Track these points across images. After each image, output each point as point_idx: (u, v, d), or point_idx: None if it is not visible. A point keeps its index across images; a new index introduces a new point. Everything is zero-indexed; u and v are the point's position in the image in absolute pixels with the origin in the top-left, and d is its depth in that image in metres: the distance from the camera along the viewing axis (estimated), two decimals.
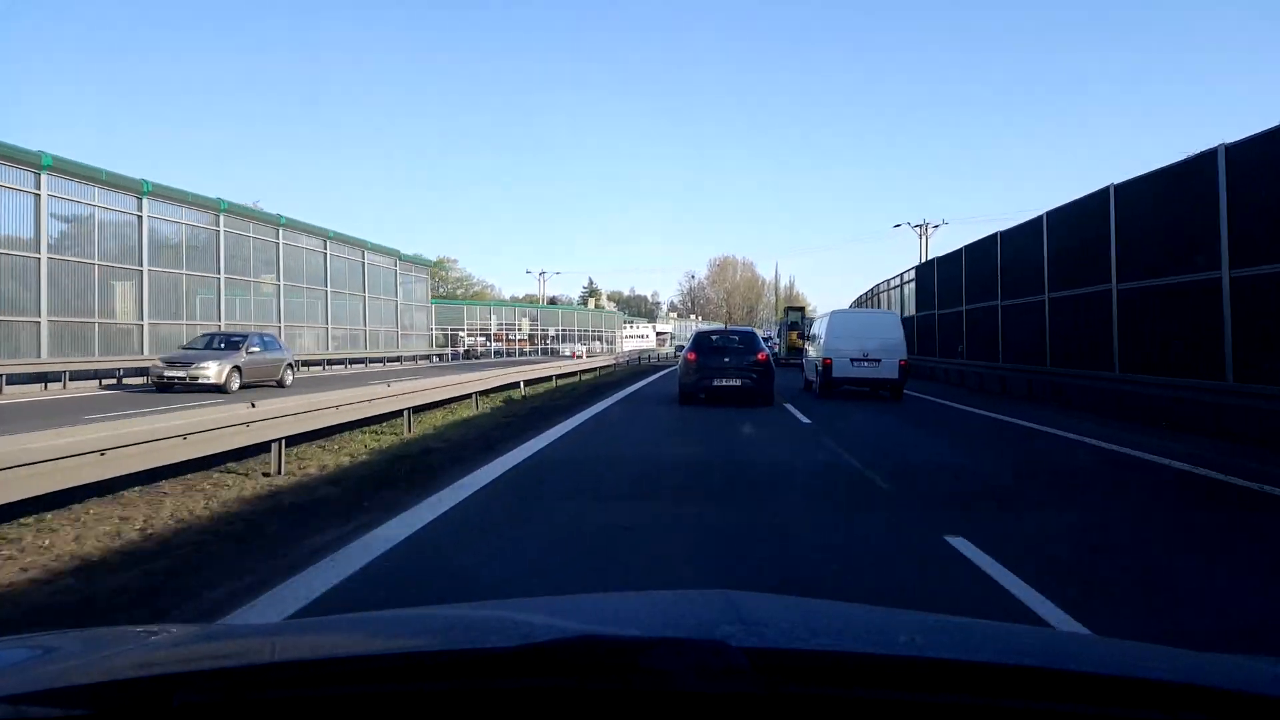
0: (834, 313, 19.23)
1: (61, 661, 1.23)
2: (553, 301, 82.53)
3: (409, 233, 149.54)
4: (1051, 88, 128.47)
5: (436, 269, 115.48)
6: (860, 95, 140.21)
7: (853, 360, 17.16)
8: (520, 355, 56.27)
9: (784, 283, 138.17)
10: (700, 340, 16.58)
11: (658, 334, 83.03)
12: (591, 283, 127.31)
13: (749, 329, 20.55)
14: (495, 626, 1.31)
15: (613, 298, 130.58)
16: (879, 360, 17.05)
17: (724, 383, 15.42)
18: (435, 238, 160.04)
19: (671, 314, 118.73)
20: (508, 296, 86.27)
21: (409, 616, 1.72)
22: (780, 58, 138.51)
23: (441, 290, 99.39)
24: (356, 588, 4.15)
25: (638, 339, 78.24)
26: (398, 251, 40.01)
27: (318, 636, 1.42)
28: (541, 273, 73.64)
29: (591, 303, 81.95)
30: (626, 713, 0.94)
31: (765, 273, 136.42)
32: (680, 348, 68.60)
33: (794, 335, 36.98)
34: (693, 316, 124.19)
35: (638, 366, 35.77)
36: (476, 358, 49.83)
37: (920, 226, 47.40)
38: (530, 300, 71.99)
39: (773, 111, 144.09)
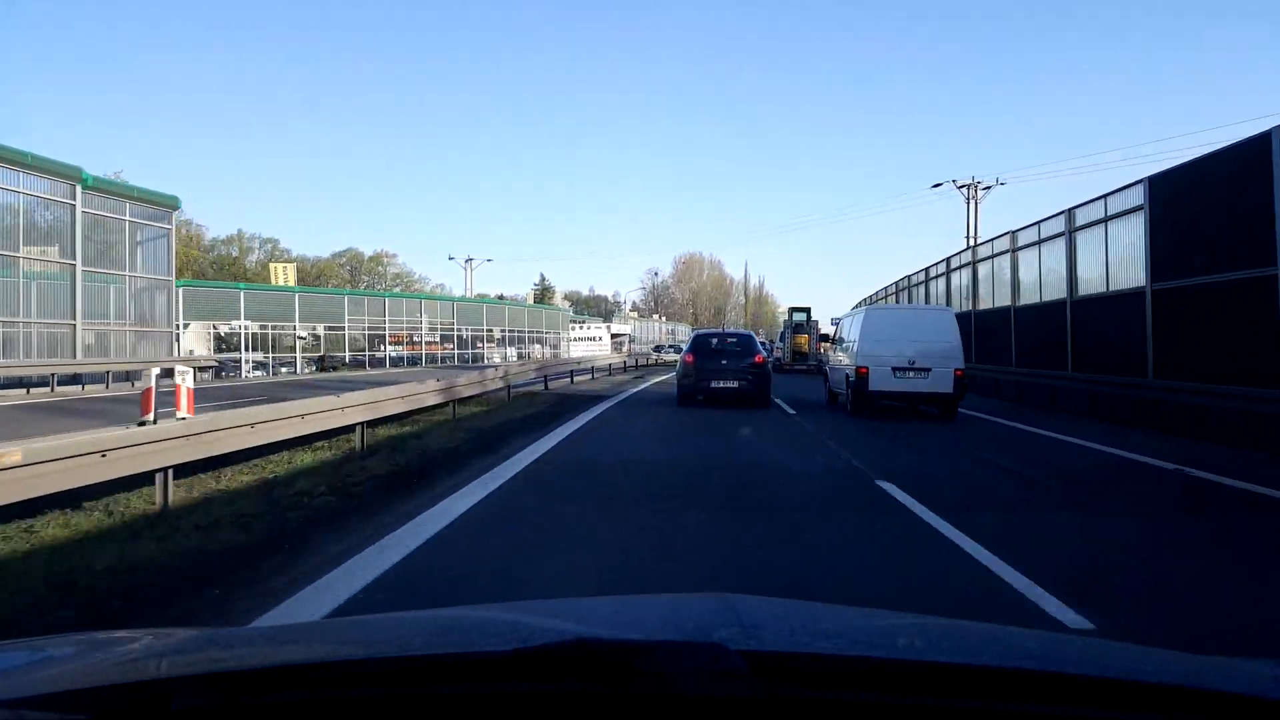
0: (871, 309, 16.10)
1: (60, 665, 1.23)
2: (500, 298, 68.88)
3: (344, 227, 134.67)
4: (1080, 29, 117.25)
5: (372, 264, 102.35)
6: (837, 76, 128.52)
7: (895, 370, 13.76)
8: (425, 365, 42.24)
9: (753, 283, 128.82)
10: (698, 343, 16.62)
11: (613, 336, 69.65)
12: (544, 279, 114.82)
13: (747, 332, 19.25)
14: (492, 629, 1.31)
15: (570, 297, 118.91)
16: (928, 369, 13.70)
17: (721, 385, 15.43)
18: (373, 232, 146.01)
19: (632, 314, 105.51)
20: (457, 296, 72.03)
21: (406, 619, 1.70)
22: (746, 34, 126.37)
23: (379, 288, 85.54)
24: None
25: (588, 342, 64.75)
26: (79, 171, 21.37)
27: (315, 640, 1.42)
28: (468, 260, 59.61)
29: (530, 297, 68.11)
30: (624, 716, 0.93)
31: (734, 272, 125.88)
32: (655, 351, 55.95)
33: (800, 339, 34.26)
34: (656, 316, 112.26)
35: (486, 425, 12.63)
36: (331, 370, 35.51)
37: (968, 186, 34.40)
38: (481, 299, 57.44)
39: (743, 95, 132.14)
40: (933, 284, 28.42)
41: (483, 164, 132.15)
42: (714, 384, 15.34)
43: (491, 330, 49.62)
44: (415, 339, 43.58)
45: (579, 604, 2.04)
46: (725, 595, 1.41)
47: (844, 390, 15.14)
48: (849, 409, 14.57)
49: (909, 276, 32.03)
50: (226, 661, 1.16)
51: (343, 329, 38.79)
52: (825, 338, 21.86)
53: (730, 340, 16.52)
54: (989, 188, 34.39)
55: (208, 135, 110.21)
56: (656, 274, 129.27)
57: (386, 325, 41.29)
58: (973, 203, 34.03)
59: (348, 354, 38.73)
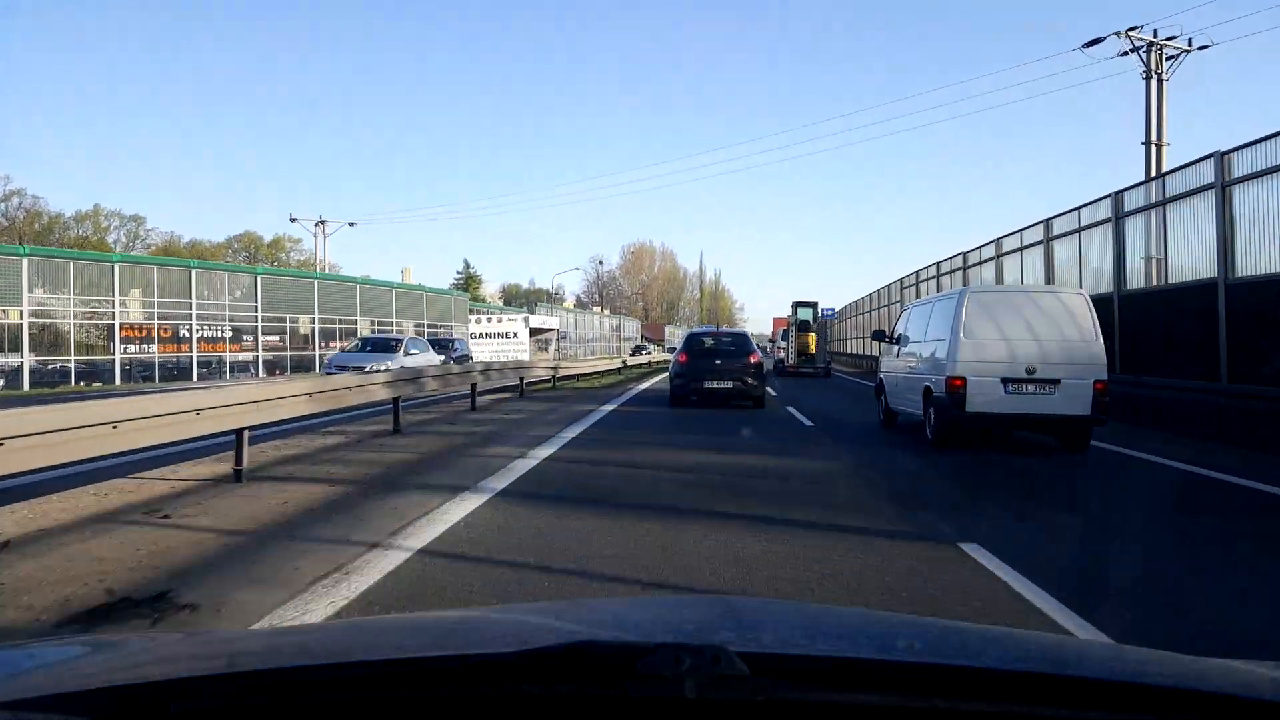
0: (968, 292, 10.42)
1: (61, 667, 1.24)
2: (397, 284, 51.32)
3: (248, 214, 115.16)
4: None
5: (273, 250, 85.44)
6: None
7: (1007, 381, 9.60)
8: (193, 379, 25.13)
9: (708, 276, 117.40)
10: (692, 342, 16.20)
11: (535, 332, 53.17)
12: (468, 265, 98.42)
13: (742, 331, 18.77)
14: (494, 632, 1.31)
15: (510, 291, 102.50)
16: (1055, 381, 9.57)
17: (715, 385, 14.90)
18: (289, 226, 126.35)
19: (568, 305, 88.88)
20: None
21: (408, 621, 1.75)
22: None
23: (280, 278, 69.18)
24: None
25: (499, 339, 48.18)
26: None
27: (315, 642, 1.40)
28: (320, 222, 42.27)
29: (407, 279, 51.02)
30: (625, 718, 0.93)
31: (688, 264, 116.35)
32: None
33: (806, 337, 30.66)
34: (597, 308, 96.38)
35: None
36: None
37: (1147, 49, 18.71)
38: (296, 271, 38.74)
39: (693, 71, 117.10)
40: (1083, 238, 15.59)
41: (409, 145, 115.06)
42: (707, 384, 14.88)
43: (328, 320, 32.58)
44: (183, 333, 26.59)
45: (580, 605, 2.04)
46: (726, 597, 1.47)
47: (917, 409, 10.84)
48: (931, 438, 10.16)
49: (997, 242, 19.58)
50: (226, 664, 1.16)
51: (20, 313, 21.78)
52: (881, 335, 14.47)
53: (725, 339, 16.31)
54: (1173, 56, 18.69)
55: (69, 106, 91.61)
56: (602, 262, 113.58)
57: (116, 311, 24.23)
58: (1154, 80, 18.21)
59: (27, 355, 21.54)
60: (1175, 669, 1.16)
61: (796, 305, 31.87)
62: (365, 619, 2.29)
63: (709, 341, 15.95)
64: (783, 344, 32.79)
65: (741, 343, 15.89)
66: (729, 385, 14.78)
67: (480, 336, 47.85)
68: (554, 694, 0.93)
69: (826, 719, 0.93)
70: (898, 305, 30.60)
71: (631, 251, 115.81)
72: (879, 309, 35.67)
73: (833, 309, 40.82)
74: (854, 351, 41.22)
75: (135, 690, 1.00)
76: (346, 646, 1.25)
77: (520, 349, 48.28)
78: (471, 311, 49.85)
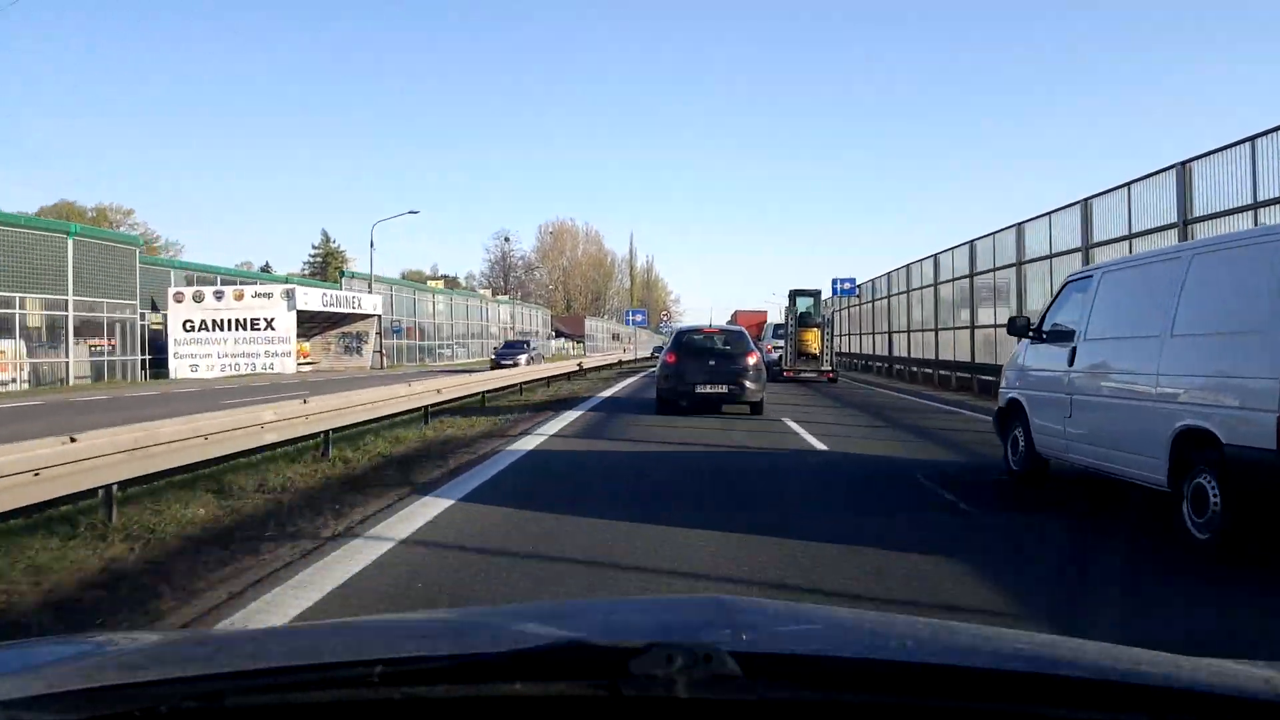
0: None
1: (52, 667, 1.25)
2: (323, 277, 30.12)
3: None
4: None
5: (95, 223, 64.84)
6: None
7: None
8: None
9: (639, 263, 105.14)
10: (682, 340, 15.06)
11: (320, 320, 33.69)
12: (328, 239, 78.89)
13: (738, 328, 17.06)
14: (485, 632, 1.33)
15: (412, 277, 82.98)
16: None
17: (709, 389, 13.77)
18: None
19: (434, 283, 69.43)
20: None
21: (400, 621, 1.76)
22: None
23: (97, 252, 48.59)
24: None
25: (236, 335, 29.15)
26: None
27: (306, 641, 1.43)
28: None
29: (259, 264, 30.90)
30: (617, 718, 0.95)
31: (616, 247, 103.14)
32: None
33: (808, 335, 24.69)
34: (486, 291, 77.62)
35: None
36: None
37: None
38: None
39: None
40: None
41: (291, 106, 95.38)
42: (699, 388, 13.67)
43: None
44: None
45: (573, 606, 2.09)
46: (719, 597, 1.42)
47: (1139, 467, 6.24)
48: (1212, 537, 5.12)
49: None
50: (217, 664, 1.17)
51: None
52: (1023, 326, 7.67)
53: (718, 337, 14.93)
54: None
55: None
56: (508, 239, 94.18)
57: None
58: None
59: None
60: (1167, 668, 1.17)
61: (795, 294, 27.00)
62: (356, 619, 2.32)
63: (701, 340, 14.71)
64: (777, 343, 28.49)
65: (738, 341, 14.44)
66: (724, 389, 13.57)
67: (197, 328, 28.57)
68: (546, 694, 0.94)
69: (819, 718, 0.94)
70: (929, 289, 24.35)
71: (550, 231, 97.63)
72: (886, 298, 29.17)
73: (853, 280, 30.39)
74: (848, 350, 35.49)
75: (126, 690, 1.02)
76: (337, 646, 1.26)
77: (280, 349, 29.20)
78: (191, 284, 30.16)
